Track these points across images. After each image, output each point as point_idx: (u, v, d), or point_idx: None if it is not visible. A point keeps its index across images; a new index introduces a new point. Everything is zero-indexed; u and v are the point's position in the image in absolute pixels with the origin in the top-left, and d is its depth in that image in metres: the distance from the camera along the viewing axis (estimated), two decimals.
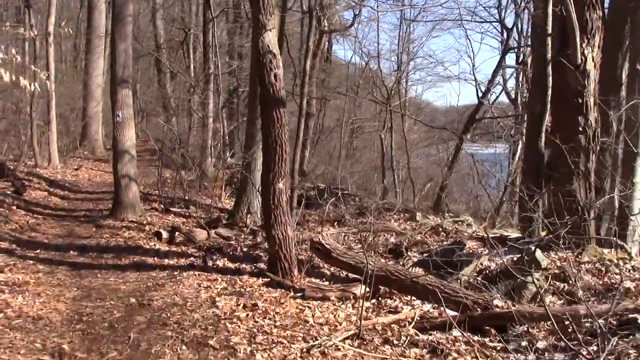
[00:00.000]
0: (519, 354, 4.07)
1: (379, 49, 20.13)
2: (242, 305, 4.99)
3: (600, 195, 6.89)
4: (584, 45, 6.56)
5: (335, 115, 21.42)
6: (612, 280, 5.48)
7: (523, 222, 7.57)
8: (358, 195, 12.19)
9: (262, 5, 5.68)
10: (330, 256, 5.75)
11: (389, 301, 5.34)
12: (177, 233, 7.96)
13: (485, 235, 6.56)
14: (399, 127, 18.41)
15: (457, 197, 17.99)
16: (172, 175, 12.93)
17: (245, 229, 8.80)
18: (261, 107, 6.08)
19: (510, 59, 19.11)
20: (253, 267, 6.44)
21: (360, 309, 4.54)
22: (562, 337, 3.90)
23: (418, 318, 4.73)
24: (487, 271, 6.00)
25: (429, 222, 8.96)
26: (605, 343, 3.69)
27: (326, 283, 5.81)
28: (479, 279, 5.67)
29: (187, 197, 11.19)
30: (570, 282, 5.45)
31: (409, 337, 4.33)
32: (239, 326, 4.49)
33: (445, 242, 7.43)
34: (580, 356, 3.76)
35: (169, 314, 4.77)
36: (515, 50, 16.00)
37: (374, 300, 5.30)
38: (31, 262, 6.51)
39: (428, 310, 5.04)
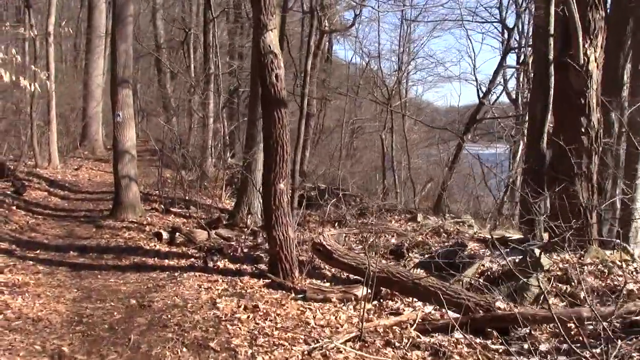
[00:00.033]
0: (522, 357, 4.05)
1: (379, 49, 19.99)
2: (243, 306, 4.97)
3: (602, 197, 6.86)
4: (586, 46, 6.53)
5: (335, 115, 21.40)
6: (615, 282, 5.45)
7: (524, 223, 7.55)
8: (359, 196, 12.15)
9: (263, 6, 5.66)
10: (331, 257, 5.73)
11: (390, 303, 5.32)
12: (177, 234, 7.93)
13: (490, 236, 6.53)
14: (400, 128, 18.37)
15: (457, 197, 17.95)
16: (173, 175, 12.90)
17: (246, 229, 8.78)
18: (262, 107, 6.06)
19: (511, 59, 19.14)
20: (254, 268, 6.42)
21: (361, 310, 4.52)
22: (567, 340, 3.87)
23: (420, 320, 4.70)
24: (489, 273, 5.97)
25: (430, 223, 8.93)
26: (610, 346, 3.67)
27: (327, 284, 5.78)
28: (480, 280, 5.65)
29: (187, 198, 11.17)
30: (573, 284, 5.43)
31: (410, 340, 4.31)
32: (239, 328, 4.46)
33: (446, 243, 7.40)
34: (584, 359, 3.73)
35: (169, 316, 4.74)
36: (516, 50, 15.96)
37: (375, 302, 5.27)
38: (31, 262, 6.49)
39: (430, 312, 5.02)
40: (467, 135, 15.17)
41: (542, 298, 5.08)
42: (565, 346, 4.03)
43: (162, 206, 10.33)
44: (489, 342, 4.37)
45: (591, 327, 4.26)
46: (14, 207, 9.49)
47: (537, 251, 5.68)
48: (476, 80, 15.98)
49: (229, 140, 15.17)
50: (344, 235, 7.96)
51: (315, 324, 4.61)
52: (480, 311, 4.71)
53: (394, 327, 4.57)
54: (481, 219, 11.39)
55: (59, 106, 15.19)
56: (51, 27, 13.96)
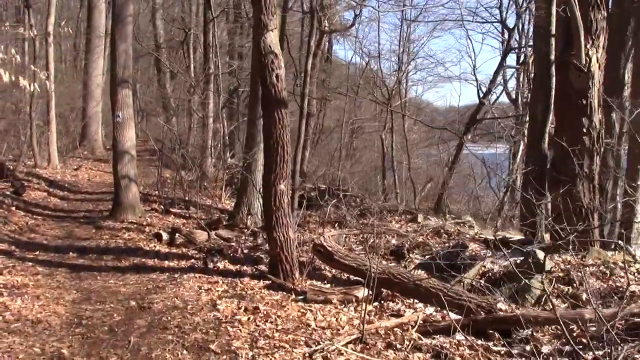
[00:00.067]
0: (524, 359, 4.03)
1: (379, 49, 19.95)
2: (243, 308, 4.95)
3: (604, 197, 6.84)
4: (588, 46, 6.51)
5: (335, 115, 21.36)
6: (617, 284, 5.42)
7: (525, 224, 7.53)
8: (359, 196, 12.12)
9: (264, 6, 5.63)
10: (332, 259, 5.70)
11: (391, 304, 5.29)
12: (177, 234, 7.90)
13: (493, 237, 6.50)
14: (400, 128, 18.35)
15: (457, 197, 17.93)
16: (172, 175, 12.88)
17: (246, 230, 8.74)
18: (263, 107, 6.04)
19: (511, 59, 19.10)
20: (254, 269, 6.39)
21: (362, 312, 4.49)
22: (571, 341, 3.85)
23: (421, 322, 4.67)
24: (491, 274, 5.94)
25: (430, 224, 8.90)
26: (613, 348, 3.64)
27: (328, 286, 5.75)
28: (482, 281, 5.61)
29: (187, 198, 11.14)
30: (574, 285, 5.40)
31: (412, 341, 4.28)
32: (240, 330, 4.44)
33: (447, 244, 7.37)
34: None
35: (169, 317, 4.72)
36: (516, 50, 15.95)
37: (376, 303, 5.24)
38: (30, 264, 6.46)
39: (431, 314, 4.99)
40: (467, 135, 15.16)
41: (544, 299, 5.06)
42: (568, 348, 4.01)
43: (162, 207, 10.30)
44: (490, 343, 4.35)
45: (594, 328, 4.23)
46: (13, 208, 9.46)
47: (541, 254, 5.66)
48: (476, 80, 15.99)
49: (228, 140, 15.14)
50: (345, 236, 7.93)
51: (316, 326, 4.59)
52: (482, 313, 4.68)
53: (395, 329, 4.55)
54: (481, 219, 11.37)
55: (59, 106, 15.16)
56: (51, 27, 13.94)
